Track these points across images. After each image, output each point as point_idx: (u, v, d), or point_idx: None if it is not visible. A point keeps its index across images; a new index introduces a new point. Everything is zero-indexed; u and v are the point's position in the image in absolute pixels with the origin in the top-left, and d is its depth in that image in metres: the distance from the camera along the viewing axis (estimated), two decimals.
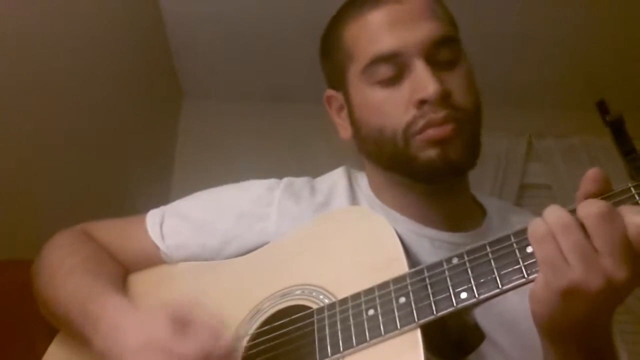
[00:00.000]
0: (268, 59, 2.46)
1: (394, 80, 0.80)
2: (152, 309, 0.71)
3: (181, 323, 0.69)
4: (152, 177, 2.28)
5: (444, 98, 0.78)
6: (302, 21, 2.21)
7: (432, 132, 0.78)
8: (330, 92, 0.91)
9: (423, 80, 0.78)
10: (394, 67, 0.80)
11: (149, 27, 2.26)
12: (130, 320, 0.71)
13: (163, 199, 1.07)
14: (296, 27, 2.25)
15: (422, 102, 0.78)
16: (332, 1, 0.91)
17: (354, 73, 0.84)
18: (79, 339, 0.78)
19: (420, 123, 0.78)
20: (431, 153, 0.78)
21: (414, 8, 0.81)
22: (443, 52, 0.81)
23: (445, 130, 0.78)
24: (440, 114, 0.78)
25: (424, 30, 0.80)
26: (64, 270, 0.84)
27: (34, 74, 1.54)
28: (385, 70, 0.80)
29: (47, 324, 0.89)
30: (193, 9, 2.23)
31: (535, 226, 0.59)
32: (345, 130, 0.90)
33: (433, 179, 0.81)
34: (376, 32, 0.81)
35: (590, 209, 0.57)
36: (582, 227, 0.57)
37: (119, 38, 1.95)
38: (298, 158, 2.34)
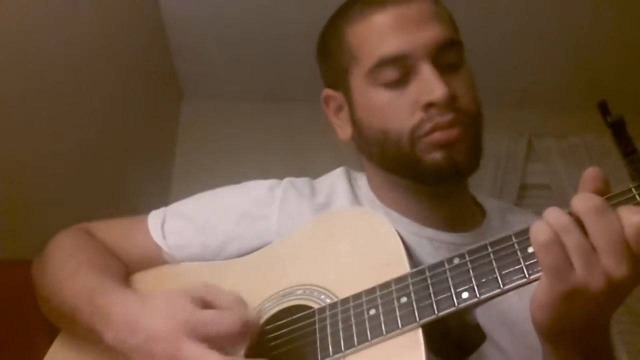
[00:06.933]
0: (267, 59, 2.46)
1: (400, 83, 0.80)
2: (168, 294, 0.72)
3: (203, 303, 0.70)
4: (152, 177, 2.28)
5: (451, 101, 0.77)
6: (301, 21, 2.21)
7: (438, 135, 0.78)
8: (329, 91, 0.90)
9: (430, 83, 0.77)
10: (400, 70, 0.79)
11: (149, 28, 2.26)
12: (146, 311, 0.71)
13: (163, 199, 1.07)
14: (295, 27, 2.25)
15: (429, 105, 0.78)
16: (332, 2, 0.91)
17: (357, 74, 0.83)
18: (85, 335, 0.78)
19: (427, 126, 0.78)
20: (437, 156, 0.78)
21: (420, 11, 0.81)
22: (448, 55, 0.80)
23: (452, 133, 0.78)
24: (447, 117, 0.77)
25: (430, 33, 0.79)
26: (69, 267, 0.84)
27: (34, 74, 1.54)
28: (391, 73, 0.79)
29: (48, 324, 0.88)
30: (193, 10, 2.23)
31: (539, 232, 0.58)
32: (343, 131, 0.89)
33: (437, 181, 0.81)
34: (382, 34, 0.80)
35: (584, 203, 0.57)
36: (580, 225, 0.57)
37: (120, 39, 1.96)
38: (298, 158, 2.34)
